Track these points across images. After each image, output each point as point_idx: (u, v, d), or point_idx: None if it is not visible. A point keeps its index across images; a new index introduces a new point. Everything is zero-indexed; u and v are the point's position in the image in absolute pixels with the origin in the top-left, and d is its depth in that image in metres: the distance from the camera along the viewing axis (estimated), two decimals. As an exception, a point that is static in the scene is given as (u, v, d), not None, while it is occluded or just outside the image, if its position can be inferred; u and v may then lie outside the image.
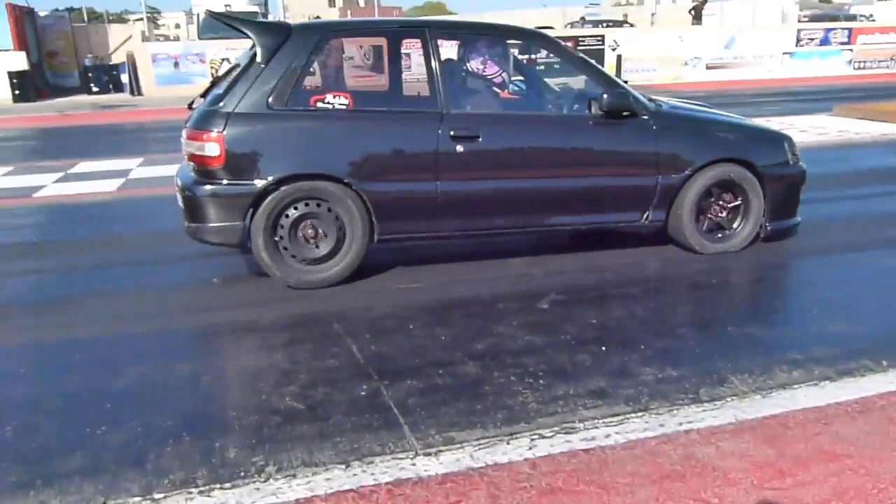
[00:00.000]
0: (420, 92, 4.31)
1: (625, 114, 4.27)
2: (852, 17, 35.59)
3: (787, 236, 4.91)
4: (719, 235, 4.63)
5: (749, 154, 4.52)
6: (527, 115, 4.58)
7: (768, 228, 4.67)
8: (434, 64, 4.12)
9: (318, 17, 29.72)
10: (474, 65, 4.48)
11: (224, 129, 3.83)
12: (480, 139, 4.11)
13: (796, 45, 21.85)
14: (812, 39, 21.99)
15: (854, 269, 4.51)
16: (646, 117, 4.31)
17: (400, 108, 4.22)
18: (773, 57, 21.58)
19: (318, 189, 3.96)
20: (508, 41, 4.75)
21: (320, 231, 4.03)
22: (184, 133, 4.02)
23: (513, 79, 4.78)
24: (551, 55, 4.89)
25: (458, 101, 4.27)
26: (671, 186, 4.40)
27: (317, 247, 4.05)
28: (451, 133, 4.06)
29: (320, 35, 4.14)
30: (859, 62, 22.12)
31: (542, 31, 4.72)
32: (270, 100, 3.88)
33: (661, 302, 4.03)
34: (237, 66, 4.23)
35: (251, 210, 3.90)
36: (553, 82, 5.01)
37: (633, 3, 50.96)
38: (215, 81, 4.56)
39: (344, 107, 4.04)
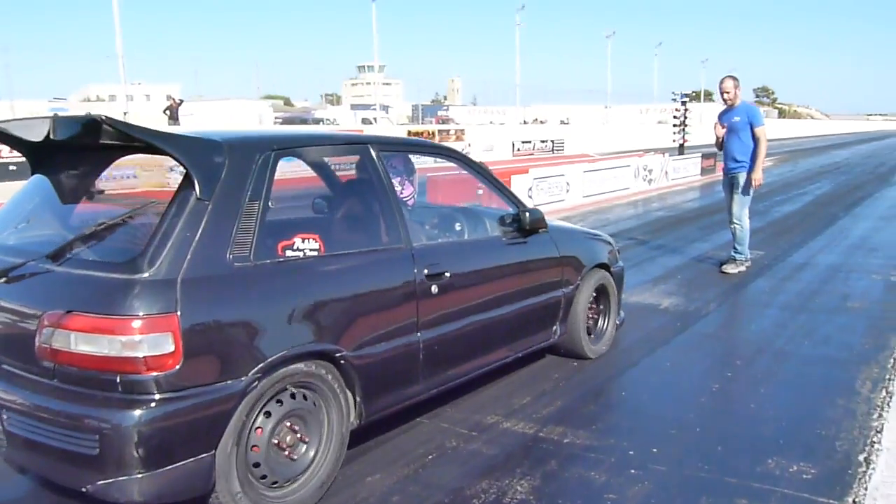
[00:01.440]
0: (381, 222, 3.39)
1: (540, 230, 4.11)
2: (318, 120, 42.07)
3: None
4: (592, 337, 4.71)
5: (604, 257, 4.77)
6: (469, 240, 3.96)
7: (618, 323, 4.97)
8: (386, 184, 3.40)
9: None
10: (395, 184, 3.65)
11: (177, 308, 2.44)
12: (448, 275, 3.46)
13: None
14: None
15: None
16: (547, 231, 4.18)
17: (368, 245, 3.31)
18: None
19: (311, 373, 2.84)
20: (412, 155, 4.23)
21: (301, 434, 2.86)
22: (52, 320, 2.46)
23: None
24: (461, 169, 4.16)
25: (413, 229, 3.50)
26: (569, 297, 4.42)
27: (292, 458, 2.84)
28: (426, 272, 3.35)
29: (267, 153, 2.90)
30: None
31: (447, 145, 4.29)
32: (230, 254, 2.64)
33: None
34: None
35: (223, 426, 2.57)
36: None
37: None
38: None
39: (315, 252, 2.98)
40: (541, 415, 3.82)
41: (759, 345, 5.03)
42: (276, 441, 2.76)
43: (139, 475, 2.37)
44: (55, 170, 3.11)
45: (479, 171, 4.14)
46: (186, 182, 2.63)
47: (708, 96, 77.82)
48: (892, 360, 4.64)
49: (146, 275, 2.44)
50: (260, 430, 2.71)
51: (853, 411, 3.84)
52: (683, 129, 22.04)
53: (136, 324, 2.37)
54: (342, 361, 2.95)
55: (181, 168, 2.66)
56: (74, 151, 3.01)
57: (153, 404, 2.39)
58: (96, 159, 3.08)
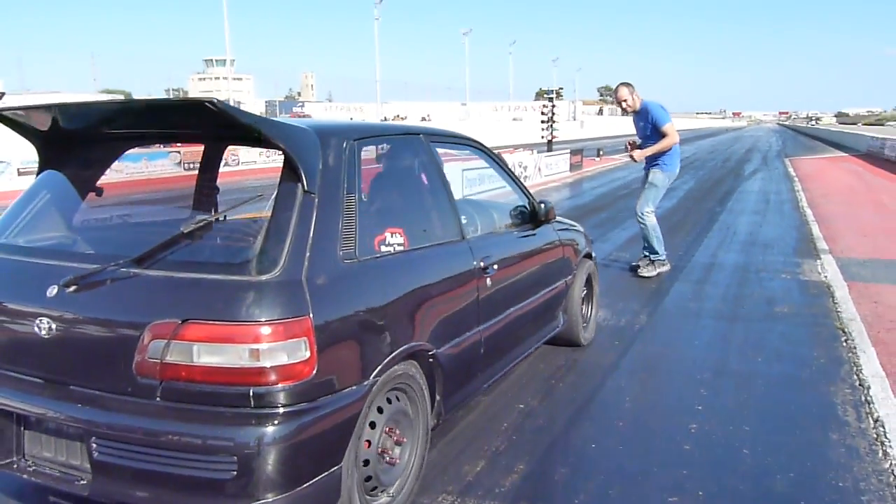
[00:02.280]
0: (443, 213, 3.29)
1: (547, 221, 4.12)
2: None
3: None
4: (585, 325, 4.79)
5: (589, 247, 4.96)
6: (503, 231, 3.89)
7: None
8: (441, 175, 3.35)
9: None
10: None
11: (309, 310, 2.22)
12: (496, 266, 3.39)
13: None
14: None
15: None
16: (549, 222, 4.15)
17: (437, 237, 3.15)
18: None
19: (406, 373, 2.69)
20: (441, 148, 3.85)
21: (397, 438, 2.67)
22: (162, 331, 2.18)
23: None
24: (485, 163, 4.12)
25: (465, 220, 3.43)
26: (570, 285, 4.50)
27: (392, 464, 2.65)
28: (481, 264, 3.28)
29: (352, 142, 2.69)
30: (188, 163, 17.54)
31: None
32: (340, 251, 2.44)
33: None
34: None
35: (349, 435, 2.37)
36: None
37: None
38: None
39: (402, 247, 2.82)
40: (504, 489, 2.96)
41: (713, 366, 4.44)
42: (380, 448, 2.59)
43: (278, 497, 2.15)
44: (71, 164, 2.87)
45: (499, 163, 4.10)
46: (290, 174, 2.42)
47: (558, 95, 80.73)
48: (854, 377, 4.21)
49: (272, 275, 2.22)
50: (368, 440, 2.53)
51: (855, 450, 3.29)
52: (552, 126, 22.08)
53: (270, 330, 2.15)
54: (430, 360, 2.84)
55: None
56: (88, 143, 2.88)
57: (291, 417, 2.17)
58: (107, 151, 2.96)
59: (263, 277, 2.21)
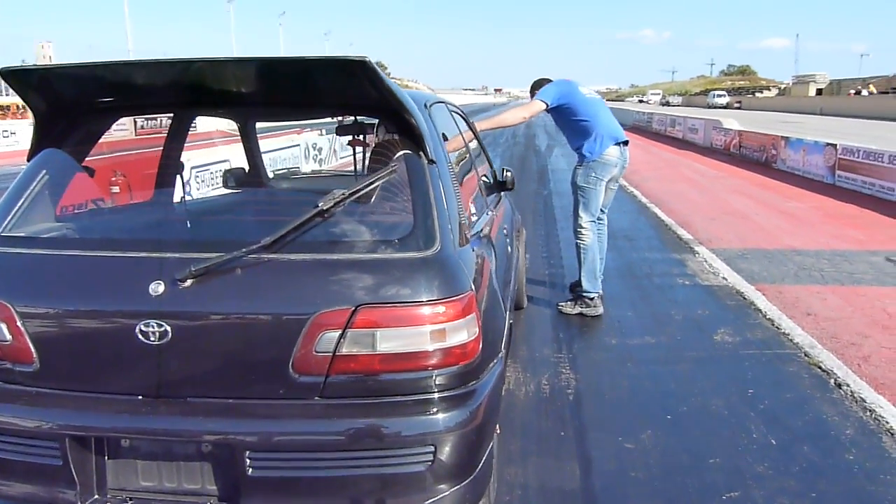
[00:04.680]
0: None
1: None
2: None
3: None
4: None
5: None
6: (486, 197, 3.46)
7: None
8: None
9: None
10: None
11: (471, 285, 2.08)
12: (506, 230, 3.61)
13: None
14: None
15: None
16: (512, 189, 3.90)
17: (483, 205, 3.16)
18: None
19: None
20: None
21: None
22: (333, 320, 1.92)
23: None
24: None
25: None
26: (519, 251, 4.38)
27: None
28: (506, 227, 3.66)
29: (431, 107, 2.63)
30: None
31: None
32: (462, 219, 2.30)
33: None
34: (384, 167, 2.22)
35: (499, 409, 2.33)
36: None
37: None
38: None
39: (475, 217, 2.72)
40: None
41: (699, 456, 2.90)
42: None
43: (467, 480, 2.03)
44: (73, 140, 2.46)
45: (477, 136, 3.91)
46: (411, 144, 2.27)
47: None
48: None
49: (435, 251, 2.06)
50: None
51: None
52: (340, 103, 19.98)
53: (451, 307, 2.00)
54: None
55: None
56: (86, 114, 2.49)
57: (472, 397, 2.06)
58: (100, 124, 2.59)
59: (429, 253, 2.04)
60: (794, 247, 7.11)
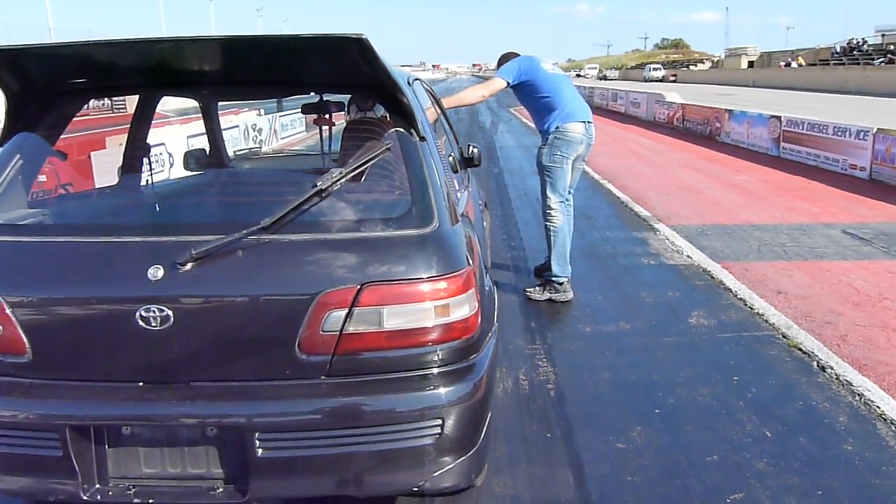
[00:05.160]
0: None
1: None
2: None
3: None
4: None
5: None
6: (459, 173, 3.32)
7: None
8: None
9: None
10: None
11: (468, 260, 2.12)
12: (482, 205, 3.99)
13: None
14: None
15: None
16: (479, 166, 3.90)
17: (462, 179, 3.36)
18: None
19: None
20: None
21: None
22: (340, 299, 1.93)
23: None
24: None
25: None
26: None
27: None
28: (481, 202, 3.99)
29: (413, 84, 2.83)
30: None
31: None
32: (451, 195, 2.35)
33: None
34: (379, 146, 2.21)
35: (495, 379, 2.52)
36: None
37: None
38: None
39: (458, 192, 2.77)
40: None
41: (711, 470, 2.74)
42: None
43: (471, 451, 2.08)
44: (45, 124, 2.37)
45: (443, 112, 3.83)
46: (401, 121, 2.29)
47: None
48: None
49: (434, 227, 2.07)
50: None
51: None
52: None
53: (453, 282, 2.02)
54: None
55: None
56: (58, 96, 2.40)
57: (473, 370, 2.09)
58: (71, 106, 2.52)
59: (429, 230, 2.06)
60: (751, 221, 7.09)
